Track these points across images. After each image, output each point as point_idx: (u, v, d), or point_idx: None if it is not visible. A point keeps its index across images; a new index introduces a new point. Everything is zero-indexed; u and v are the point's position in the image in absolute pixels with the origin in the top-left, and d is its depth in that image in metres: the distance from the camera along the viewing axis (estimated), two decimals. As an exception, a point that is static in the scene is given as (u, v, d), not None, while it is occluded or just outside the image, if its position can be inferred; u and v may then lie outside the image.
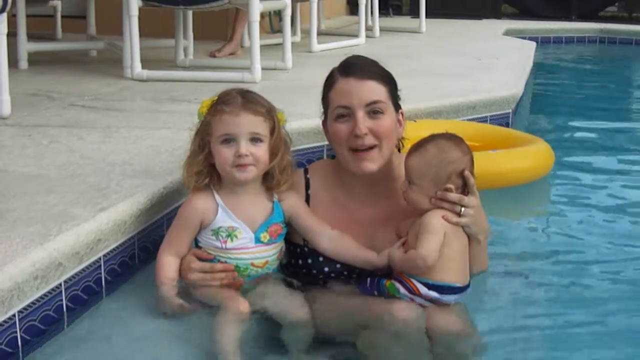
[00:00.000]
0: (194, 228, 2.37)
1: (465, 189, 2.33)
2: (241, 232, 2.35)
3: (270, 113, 2.36)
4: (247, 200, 2.38)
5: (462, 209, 2.29)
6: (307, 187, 2.50)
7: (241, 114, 2.30)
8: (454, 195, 2.29)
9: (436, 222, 2.27)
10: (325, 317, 2.27)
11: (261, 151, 2.33)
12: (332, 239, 2.42)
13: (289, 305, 2.29)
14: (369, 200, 2.47)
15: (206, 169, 2.37)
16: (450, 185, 2.30)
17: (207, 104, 2.38)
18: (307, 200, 2.48)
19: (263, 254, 2.38)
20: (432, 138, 2.36)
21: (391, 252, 2.30)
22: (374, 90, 2.37)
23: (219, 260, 2.36)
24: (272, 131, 2.36)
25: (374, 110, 2.36)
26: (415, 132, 2.61)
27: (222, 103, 2.33)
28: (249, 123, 2.31)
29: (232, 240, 2.35)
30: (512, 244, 3.03)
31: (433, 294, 2.27)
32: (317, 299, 2.33)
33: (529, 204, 3.57)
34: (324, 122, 2.49)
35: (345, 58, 2.49)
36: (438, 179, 2.30)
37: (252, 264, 2.36)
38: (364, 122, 2.35)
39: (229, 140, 2.31)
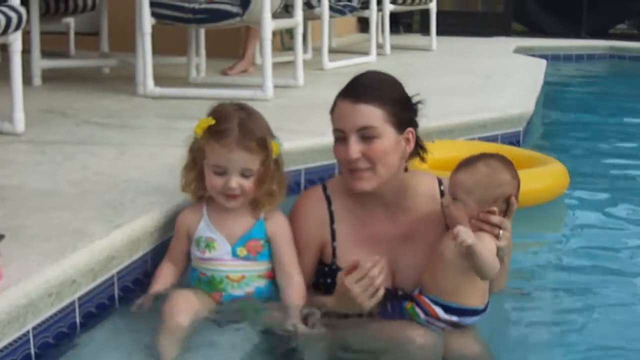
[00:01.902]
0: (183, 238, 2.46)
1: (506, 213, 2.30)
2: (219, 244, 2.40)
3: (264, 146, 2.37)
4: (231, 214, 2.41)
5: (501, 232, 2.27)
6: (329, 204, 2.48)
7: (235, 151, 2.33)
8: (496, 218, 2.26)
9: (493, 246, 2.25)
10: (343, 339, 2.27)
11: (249, 183, 2.37)
12: (291, 284, 2.41)
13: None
14: (386, 217, 2.45)
15: (202, 183, 2.42)
16: (495, 208, 2.27)
17: (203, 126, 2.37)
18: (332, 217, 2.46)
19: (239, 269, 2.41)
20: (484, 157, 2.33)
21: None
22: (367, 114, 2.34)
23: (199, 273, 2.42)
24: (263, 162, 2.37)
25: (366, 135, 2.34)
26: (433, 153, 2.58)
27: (218, 135, 2.34)
28: (242, 160, 2.34)
29: (210, 251, 2.40)
30: (525, 265, 3.02)
31: (453, 317, 2.27)
32: (336, 321, 2.33)
33: (543, 224, 3.56)
34: None
35: (357, 74, 2.47)
36: (484, 200, 2.27)
37: (228, 277, 2.40)
38: (355, 146, 2.33)
39: (220, 172, 2.35)
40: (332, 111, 2.43)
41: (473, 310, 2.29)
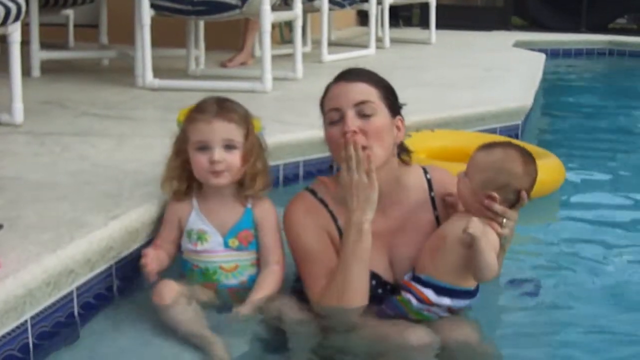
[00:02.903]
0: (174, 227, 2.46)
1: (515, 205, 2.30)
2: (210, 235, 2.41)
3: (244, 120, 2.42)
4: (221, 205, 2.43)
5: (504, 221, 2.28)
6: (325, 205, 2.42)
7: (214, 122, 2.37)
8: (498, 207, 2.27)
9: (496, 243, 2.27)
10: (339, 340, 2.27)
11: (234, 157, 2.39)
12: (266, 272, 2.43)
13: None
14: (380, 211, 2.36)
15: (184, 175, 2.45)
16: (494, 194, 2.26)
17: (184, 113, 2.44)
18: (333, 216, 2.40)
19: (232, 259, 2.42)
20: (507, 144, 2.34)
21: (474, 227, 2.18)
22: (363, 91, 2.35)
23: (192, 265, 2.43)
24: (246, 137, 2.41)
25: (364, 111, 2.33)
26: (432, 141, 2.57)
27: (197, 111, 2.41)
28: (223, 130, 2.37)
29: (202, 243, 2.41)
30: (520, 258, 3.02)
31: (445, 300, 2.27)
32: (332, 322, 2.31)
33: (538, 218, 3.55)
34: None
35: (345, 68, 2.48)
36: (488, 183, 2.27)
37: (221, 267, 2.41)
38: (353, 121, 2.31)
39: (204, 147, 2.37)
40: (323, 98, 2.43)
41: (465, 292, 2.29)
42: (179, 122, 2.46)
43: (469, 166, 2.33)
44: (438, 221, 2.45)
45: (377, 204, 2.34)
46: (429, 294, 2.27)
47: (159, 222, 2.58)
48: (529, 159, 2.33)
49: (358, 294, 2.30)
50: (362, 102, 2.33)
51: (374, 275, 2.37)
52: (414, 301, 2.27)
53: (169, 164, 2.48)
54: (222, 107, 2.41)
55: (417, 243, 2.38)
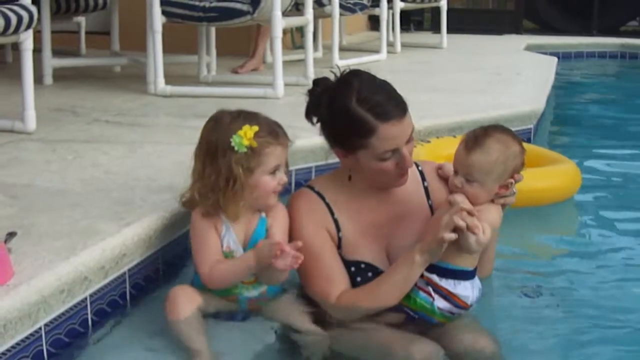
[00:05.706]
0: (214, 235, 2.35)
1: None
2: (237, 253, 2.36)
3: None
4: (244, 220, 2.39)
5: (514, 189, 2.37)
6: (323, 198, 2.45)
7: (284, 145, 2.40)
8: (517, 177, 2.35)
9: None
10: (344, 349, 2.27)
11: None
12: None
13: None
14: (378, 202, 2.46)
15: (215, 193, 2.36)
16: (515, 176, 2.33)
17: (251, 136, 2.31)
18: (330, 209, 2.43)
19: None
20: (490, 133, 2.34)
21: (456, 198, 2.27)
22: (410, 121, 2.35)
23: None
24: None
25: (410, 139, 2.36)
26: (454, 149, 2.53)
27: (272, 135, 2.36)
28: (286, 154, 2.41)
29: None
30: (534, 263, 3.02)
31: (449, 281, 2.30)
32: (339, 326, 2.33)
33: (554, 224, 3.54)
34: (340, 150, 2.43)
35: (365, 92, 2.32)
36: (503, 175, 2.32)
37: (242, 281, 2.37)
38: (409, 155, 2.37)
39: (275, 170, 2.37)
40: (364, 139, 2.31)
41: (464, 272, 2.31)
42: (242, 146, 2.30)
43: (471, 172, 2.31)
44: (432, 210, 2.49)
45: (377, 196, 2.46)
46: (434, 277, 2.30)
47: (172, 229, 2.58)
48: (510, 131, 2.40)
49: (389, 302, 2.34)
50: (411, 132, 2.36)
51: (369, 266, 2.40)
52: (421, 294, 2.30)
53: (213, 181, 2.33)
54: (282, 129, 2.42)
55: (413, 232, 2.42)
